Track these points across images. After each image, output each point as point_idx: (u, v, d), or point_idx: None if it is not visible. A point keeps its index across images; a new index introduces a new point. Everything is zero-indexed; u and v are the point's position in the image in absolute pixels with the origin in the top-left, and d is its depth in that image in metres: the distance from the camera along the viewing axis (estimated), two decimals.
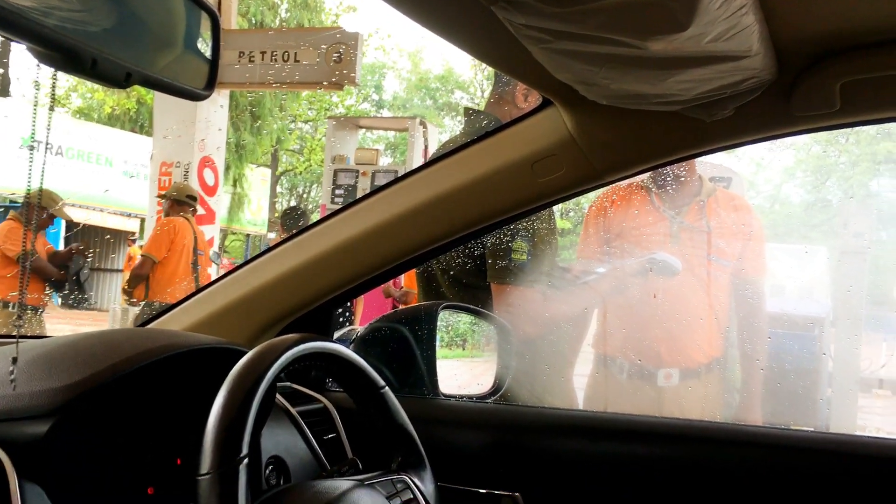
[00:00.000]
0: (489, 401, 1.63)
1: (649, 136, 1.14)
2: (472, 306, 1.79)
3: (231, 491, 0.81)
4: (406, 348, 1.60)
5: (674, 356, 2.50)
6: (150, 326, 1.46)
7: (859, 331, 5.70)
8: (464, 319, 1.81)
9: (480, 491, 1.37)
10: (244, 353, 1.00)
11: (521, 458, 1.38)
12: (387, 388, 1.16)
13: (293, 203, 24.23)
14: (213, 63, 0.77)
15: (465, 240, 1.34)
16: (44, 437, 0.86)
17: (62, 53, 0.57)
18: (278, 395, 1.30)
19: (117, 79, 0.62)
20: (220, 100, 7.62)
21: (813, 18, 0.91)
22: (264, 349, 0.97)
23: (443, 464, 1.27)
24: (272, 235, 18.39)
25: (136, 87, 0.68)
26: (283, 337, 1.02)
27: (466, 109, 2.45)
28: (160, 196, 6.13)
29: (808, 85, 1.00)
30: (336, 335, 2.09)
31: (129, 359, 0.98)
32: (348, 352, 1.12)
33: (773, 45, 0.94)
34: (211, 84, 0.76)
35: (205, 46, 0.77)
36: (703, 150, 1.16)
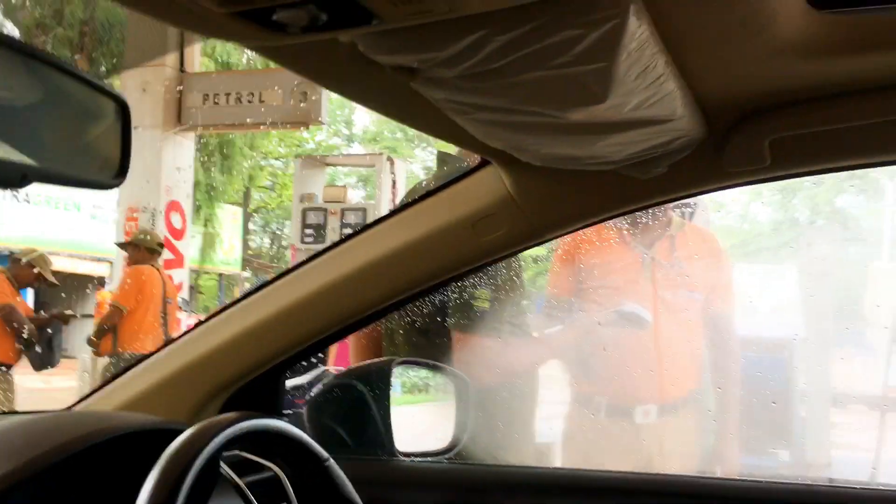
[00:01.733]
0: (448, 456, 1.61)
1: (586, 195, 1.14)
2: (427, 361, 1.77)
3: None
4: (361, 407, 1.57)
5: (651, 392, 2.50)
6: (83, 405, 1.42)
7: (829, 349, 5.73)
8: (420, 374, 1.79)
9: None
10: (180, 433, 0.97)
11: None
12: (331, 460, 1.14)
13: (266, 240, 24.13)
14: (125, 150, 0.75)
15: (411, 300, 1.33)
16: None
17: None
18: (224, 466, 1.27)
19: (11, 181, 0.60)
20: (185, 142, 7.59)
21: (737, 80, 0.91)
22: (197, 431, 0.94)
23: None
24: (246, 274, 18.28)
25: None
26: (219, 417, 1.00)
27: (440, 154, 2.44)
28: (125, 244, 6.07)
29: (737, 142, 1.00)
30: (308, 377, 2.06)
31: (50, 452, 0.94)
32: (289, 427, 1.09)
33: (700, 107, 0.94)
34: (123, 172, 0.74)
35: (114, 135, 0.75)
36: (640, 206, 1.16)
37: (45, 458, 0.93)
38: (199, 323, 1.43)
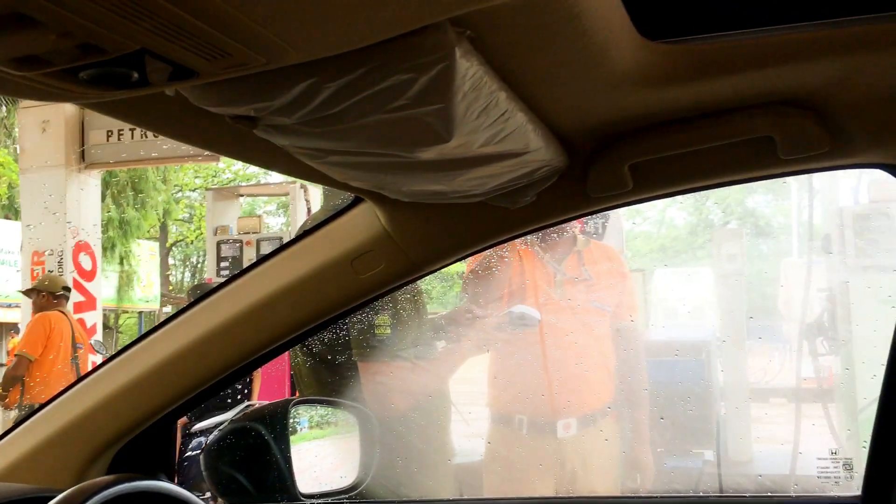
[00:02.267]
0: (351, 495, 1.58)
1: (460, 227, 1.14)
2: (325, 398, 1.74)
3: None
4: (260, 451, 1.54)
5: (570, 406, 2.53)
6: None
7: (744, 346, 5.89)
8: (320, 413, 1.76)
9: None
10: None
11: None
12: None
13: (188, 274, 23.58)
14: None
15: (296, 341, 1.31)
16: None
17: None
18: None
19: None
20: (90, 181, 7.37)
21: (587, 110, 0.93)
22: (64, 498, 0.90)
23: None
24: (167, 310, 17.82)
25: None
26: (92, 481, 0.96)
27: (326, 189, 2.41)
28: (28, 290, 5.83)
29: (598, 169, 1.02)
30: (232, 412, 1.99)
31: None
32: (168, 485, 1.06)
33: (556, 137, 0.95)
34: None
35: None
36: (513, 235, 1.17)
37: None
38: (80, 379, 1.38)
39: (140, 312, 16.93)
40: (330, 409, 1.77)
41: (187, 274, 24.10)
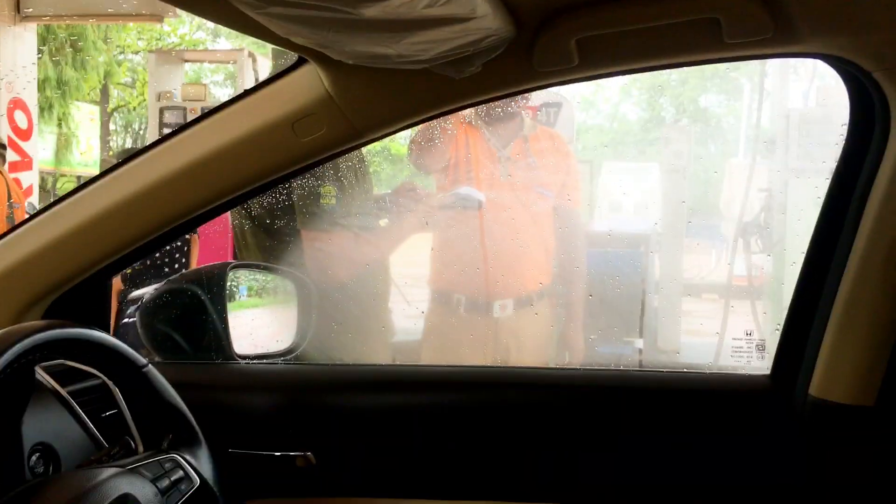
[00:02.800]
0: (286, 359, 1.62)
1: (404, 94, 1.12)
2: (262, 263, 1.75)
3: None
4: (196, 312, 1.55)
5: (507, 287, 2.58)
6: None
7: (684, 242, 6.03)
8: (257, 277, 1.77)
9: (274, 454, 1.37)
10: None
11: (313, 417, 1.39)
12: (149, 366, 1.12)
13: (129, 140, 22.94)
14: None
15: (236, 202, 1.30)
16: None
17: None
18: (46, 376, 1.23)
19: None
20: (27, 35, 7.01)
21: None
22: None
23: (238, 429, 1.25)
24: None
25: None
26: (24, 324, 0.96)
27: (275, 51, 2.35)
28: None
29: (545, 42, 1.01)
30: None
31: None
32: (100, 334, 1.06)
33: (505, 5, 0.94)
34: None
35: None
36: (457, 106, 1.16)
37: None
38: (14, 228, 1.36)
39: (79, 177, 16.48)
40: (268, 274, 1.78)
41: (128, 140, 23.43)
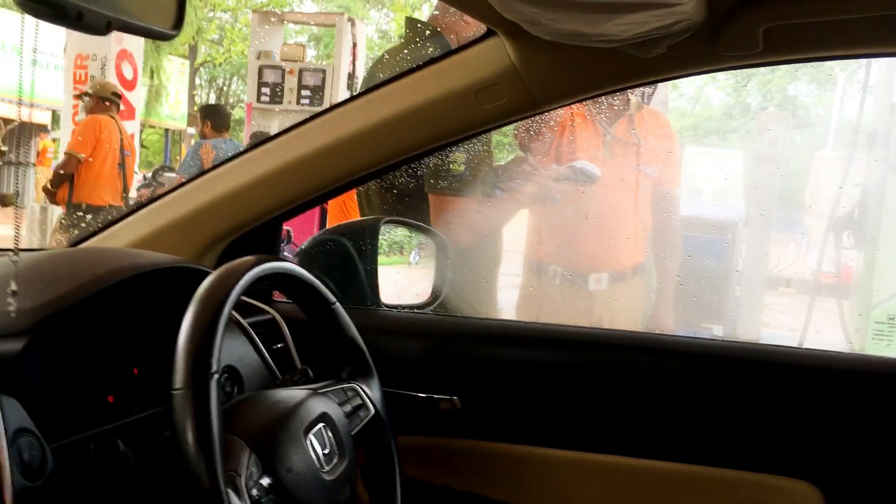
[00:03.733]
0: (428, 311, 1.73)
1: (587, 70, 1.20)
2: (412, 221, 1.86)
3: (204, 404, 0.88)
4: (348, 261, 1.67)
5: (604, 261, 2.65)
6: (90, 243, 1.48)
7: (768, 233, 5.97)
8: (405, 233, 1.88)
9: (421, 395, 1.48)
10: (205, 273, 1.06)
11: (459, 365, 1.49)
12: (337, 303, 1.24)
13: (213, 96, 23.45)
14: (180, 2, 0.80)
15: (409, 161, 1.40)
16: (19, 355, 0.91)
17: (51, 7, 0.61)
18: None
19: (99, 28, 0.66)
20: None
21: None
22: (227, 271, 1.03)
23: (386, 371, 1.37)
24: (192, 131, 17.85)
25: None
26: (242, 259, 1.08)
27: (409, 19, 2.45)
28: (81, 95, 5.88)
29: (733, 28, 1.07)
30: None
31: (95, 280, 1.02)
32: (302, 271, 1.18)
33: None
34: (179, 23, 0.79)
35: None
36: (636, 83, 1.24)
37: (93, 285, 1.01)
38: (201, 173, 1.49)
39: (166, 130, 16.98)
40: (413, 231, 1.89)
41: (213, 96, 23.95)
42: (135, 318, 1.14)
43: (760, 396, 1.38)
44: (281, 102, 6.95)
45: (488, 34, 1.25)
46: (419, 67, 1.32)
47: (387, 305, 1.65)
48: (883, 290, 4.97)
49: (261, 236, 1.50)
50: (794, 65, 1.19)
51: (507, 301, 2.79)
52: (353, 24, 6.97)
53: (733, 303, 5.77)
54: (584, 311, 2.67)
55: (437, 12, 2.30)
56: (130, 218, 1.49)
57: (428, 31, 2.26)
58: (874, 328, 4.85)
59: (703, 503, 1.41)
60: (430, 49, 2.15)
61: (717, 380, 1.40)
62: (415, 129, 1.33)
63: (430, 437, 1.51)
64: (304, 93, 6.87)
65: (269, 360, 1.36)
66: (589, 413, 1.44)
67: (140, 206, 1.51)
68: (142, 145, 18.76)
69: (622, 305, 2.72)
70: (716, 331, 5.77)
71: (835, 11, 1.02)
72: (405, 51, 2.24)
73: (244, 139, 7.70)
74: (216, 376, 0.90)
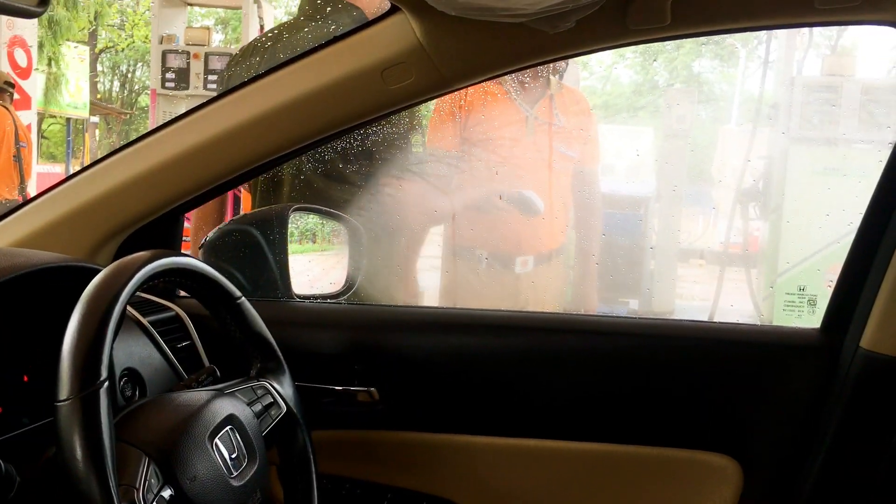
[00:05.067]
0: (342, 300, 1.67)
1: (496, 46, 1.17)
2: (322, 207, 1.80)
3: (93, 415, 0.81)
4: (257, 252, 1.60)
5: (529, 244, 2.64)
6: None
7: (679, 207, 6.10)
8: (315, 220, 1.82)
9: (337, 388, 1.43)
10: (95, 271, 0.98)
11: (376, 355, 1.45)
12: (243, 298, 1.17)
13: (116, 83, 22.63)
14: None
15: (315, 145, 1.34)
16: None
17: None
18: (127, 306, 1.28)
19: None
20: None
21: None
22: (117, 268, 0.95)
23: (300, 364, 1.31)
24: (95, 119, 17.17)
25: None
26: (135, 255, 1.00)
27: None
28: None
29: (641, 1, 1.05)
30: None
31: None
32: (203, 265, 1.11)
33: None
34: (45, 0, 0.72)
35: None
36: (545, 59, 1.20)
37: None
38: (93, 163, 1.39)
39: (68, 119, 16.28)
40: (324, 218, 1.83)
41: (116, 83, 23.12)
42: (23, 322, 1.06)
43: (675, 372, 1.39)
44: (187, 88, 6.73)
45: (392, 10, 1.20)
46: (321, 47, 1.26)
47: (299, 296, 1.59)
48: (788, 259, 5.14)
49: (160, 229, 1.42)
50: (699, 38, 1.18)
51: (431, 287, 2.76)
52: (259, 6, 6.78)
53: (648, 277, 5.89)
54: (511, 294, 2.66)
55: None
56: (16, 214, 1.39)
57: (329, 5, 2.16)
58: (785, 299, 5.01)
59: (625, 482, 1.41)
60: (331, 23, 2.07)
61: (632, 357, 1.40)
62: (319, 112, 1.27)
63: (348, 430, 1.46)
64: (210, 77, 6.65)
65: (174, 359, 1.29)
66: (507, 397, 1.42)
67: (27, 200, 1.41)
68: (42, 136, 17.97)
69: (547, 286, 2.72)
70: (632, 305, 5.89)
71: None
72: (305, 28, 2.14)
73: (150, 126, 7.41)
74: (106, 384, 0.83)
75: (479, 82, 1.24)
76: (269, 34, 2.24)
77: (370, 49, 1.22)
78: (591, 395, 1.42)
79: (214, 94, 1.44)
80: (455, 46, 1.17)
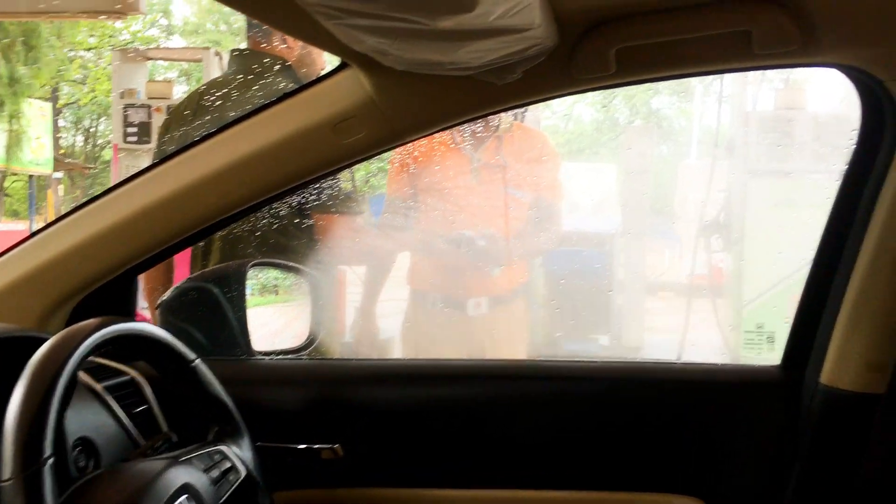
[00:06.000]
0: (304, 354, 1.65)
1: (445, 99, 1.17)
2: (281, 261, 1.78)
3: (36, 496, 0.79)
4: (216, 309, 1.57)
5: (482, 286, 2.63)
6: None
7: (644, 242, 6.16)
8: (275, 275, 1.80)
9: (300, 446, 1.40)
10: (42, 341, 0.96)
11: (339, 411, 1.42)
12: (198, 360, 1.15)
13: (80, 138, 22.48)
14: None
15: (269, 201, 1.33)
16: None
17: None
18: (80, 372, 1.25)
19: None
20: None
21: None
22: (63, 338, 0.93)
23: (262, 424, 1.29)
24: (58, 175, 16.99)
25: None
26: (83, 323, 0.98)
27: (234, 52, 2.34)
28: None
29: (585, 51, 1.07)
30: None
31: None
32: (154, 329, 1.09)
33: (553, 15, 0.99)
34: None
35: None
36: (495, 110, 1.21)
37: None
38: (44, 227, 1.37)
39: (31, 176, 16.11)
40: (285, 272, 1.81)
41: (79, 137, 22.97)
42: None
43: (640, 415, 1.38)
44: (149, 141, 6.69)
45: (342, 66, 1.20)
46: (273, 103, 1.26)
47: (260, 353, 1.57)
48: (752, 288, 5.19)
49: (114, 292, 1.40)
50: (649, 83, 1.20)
51: (391, 334, 2.74)
52: (220, 59, 6.79)
53: (617, 312, 5.92)
54: (465, 337, 2.64)
55: (258, 36, 2.22)
56: None
57: (257, 61, 2.17)
58: (745, 337, 5.04)
59: None
60: (264, 81, 2.09)
61: (596, 401, 1.39)
62: (272, 168, 1.26)
63: (313, 489, 1.43)
64: None
65: (130, 426, 1.26)
66: (474, 448, 1.40)
67: None
68: (5, 193, 17.76)
69: (505, 329, 2.70)
70: (602, 341, 5.90)
71: (680, 31, 1.03)
72: (233, 84, 2.15)
73: (112, 181, 7.34)
74: (50, 461, 0.80)
75: (431, 134, 1.25)
76: (201, 89, 2.25)
77: (321, 104, 1.22)
78: (557, 442, 1.41)
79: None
80: (405, 100, 1.18)
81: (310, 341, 1.67)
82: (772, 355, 4.93)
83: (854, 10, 1.00)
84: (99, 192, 1.34)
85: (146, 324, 1.08)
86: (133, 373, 1.37)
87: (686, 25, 1.03)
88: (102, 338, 0.97)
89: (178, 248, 1.39)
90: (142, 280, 1.81)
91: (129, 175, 1.34)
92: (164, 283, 2.03)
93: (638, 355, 5.69)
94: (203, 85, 2.32)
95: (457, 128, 2.54)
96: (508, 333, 2.71)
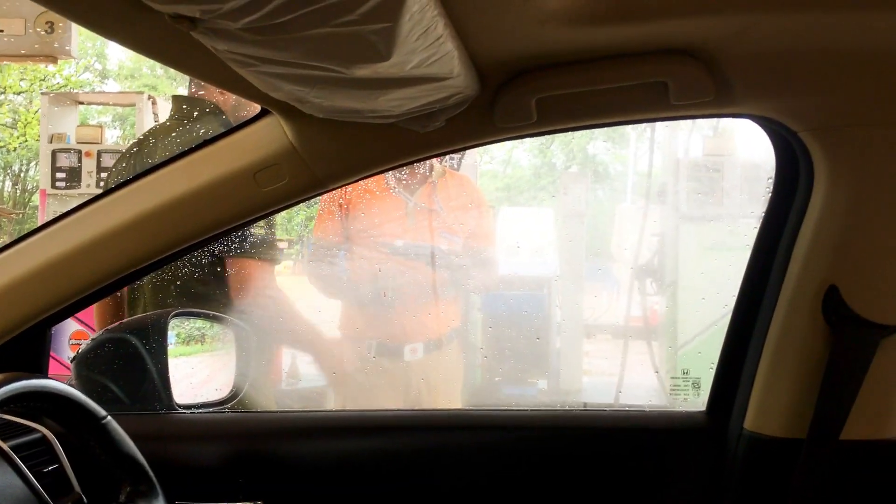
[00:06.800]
0: (227, 407, 1.60)
1: (368, 146, 1.17)
2: (204, 311, 1.73)
3: None
4: (136, 361, 1.52)
5: (417, 331, 2.62)
6: None
7: (581, 285, 6.21)
8: (198, 325, 1.75)
9: None
10: None
11: (262, 465, 1.38)
12: (109, 417, 1.10)
13: (8, 184, 21.88)
14: None
15: (190, 250, 1.30)
16: None
17: None
18: None
19: None
20: None
21: (508, 43, 0.98)
22: None
23: (181, 481, 1.24)
24: None
25: None
26: None
27: (176, 98, 2.34)
28: None
29: (507, 100, 1.07)
30: None
31: None
32: (60, 385, 1.04)
33: (474, 65, 1.00)
34: None
35: None
36: (418, 157, 1.21)
37: None
38: None
39: None
40: (207, 321, 1.76)
41: (8, 183, 22.36)
42: None
43: (572, 463, 1.37)
44: (79, 186, 6.53)
45: (263, 113, 1.19)
46: (193, 149, 1.23)
47: (181, 406, 1.52)
48: (685, 332, 5.27)
49: (23, 345, 1.34)
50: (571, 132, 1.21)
51: (324, 380, 2.69)
52: (154, 103, 6.69)
53: (555, 354, 5.94)
54: (403, 381, 2.62)
55: (195, 81, 2.22)
56: None
57: (197, 108, 2.16)
58: (671, 383, 5.10)
59: None
60: (203, 127, 2.07)
61: (525, 450, 1.38)
62: (193, 215, 1.23)
63: None
64: (103, 175, 6.49)
65: (38, 487, 1.19)
66: (402, 501, 1.37)
67: None
68: None
69: (440, 372, 2.69)
70: (541, 385, 5.90)
71: (599, 81, 1.04)
72: (174, 131, 2.13)
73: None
74: None
75: (354, 182, 1.23)
76: (140, 138, 2.23)
77: (242, 151, 1.20)
78: (489, 492, 1.38)
79: None
80: (327, 147, 1.17)
81: (233, 394, 1.62)
82: (698, 400, 5.00)
83: (767, 63, 1.03)
84: (6, 244, 1.28)
85: (51, 380, 1.03)
86: (43, 430, 1.30)
87: (604, 76, 1.04)
88: (4, 396, 0.92)
89: (95, 297, 1.34)
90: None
91: (38, 226, 1.29)
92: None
93: (576, 399, 5.71)
94: (148, 130, 2.30)
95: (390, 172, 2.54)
96: (444, 378, 2.70)
